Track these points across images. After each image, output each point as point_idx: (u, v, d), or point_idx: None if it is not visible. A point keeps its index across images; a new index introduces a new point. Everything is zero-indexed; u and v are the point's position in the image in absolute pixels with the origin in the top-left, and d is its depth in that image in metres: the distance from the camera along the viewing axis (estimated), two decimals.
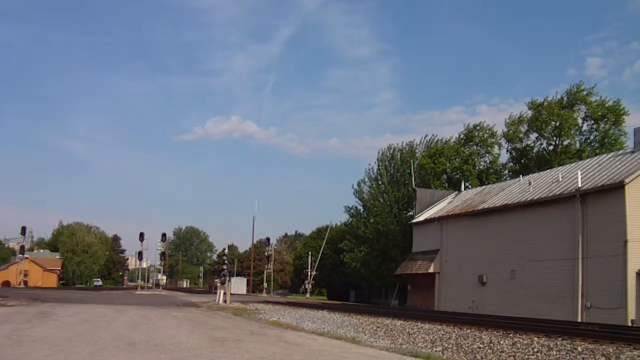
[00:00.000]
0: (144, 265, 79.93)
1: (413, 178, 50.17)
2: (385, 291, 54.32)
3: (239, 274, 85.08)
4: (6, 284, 70.87)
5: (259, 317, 19.71)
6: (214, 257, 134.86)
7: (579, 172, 27.64)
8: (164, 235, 57.41)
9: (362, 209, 58.70)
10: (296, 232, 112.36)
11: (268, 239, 63.84)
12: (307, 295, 62.33)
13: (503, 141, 49.85)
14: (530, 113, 46.98)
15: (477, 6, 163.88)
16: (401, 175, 55.28)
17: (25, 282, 69.00)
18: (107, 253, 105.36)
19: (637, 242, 23.32)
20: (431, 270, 37.79)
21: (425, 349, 11.41)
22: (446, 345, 12.27)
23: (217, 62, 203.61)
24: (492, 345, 12.04)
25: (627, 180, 23.94)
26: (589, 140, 45.09)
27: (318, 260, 64.51)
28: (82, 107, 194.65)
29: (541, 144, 47.40)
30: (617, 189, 24.29)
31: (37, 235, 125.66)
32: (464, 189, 44.80)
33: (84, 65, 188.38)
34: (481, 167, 50.94)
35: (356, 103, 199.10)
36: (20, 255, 65.50)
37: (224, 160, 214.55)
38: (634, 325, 21.48)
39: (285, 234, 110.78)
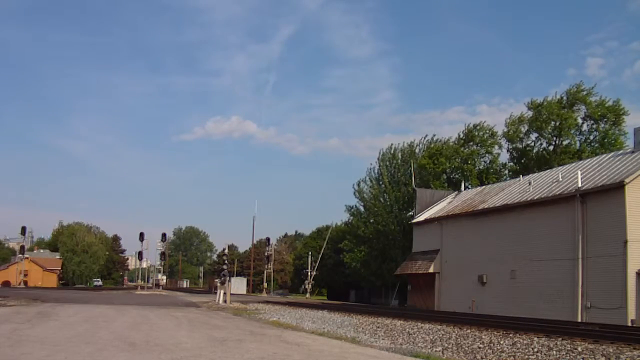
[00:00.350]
0: (144, 265, 79.83)
1: (413, 178, 50.18)
2: (385, 291, 54.30)
3: (239, 274, 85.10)
4: (6, 284, 70.90)
5: (259, 317, 19.71)
6: (214, 257, 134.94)
7: (579, 172, 27.63)
8: (164, 235, 57.40)
9: (362, 209, 58.77)
10: (296, 232, 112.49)
11: (268, 239, 63.85)
12: (307, 295, 62.33)
13: (503, 141, 49.91)
14: (530, 113, 47.01)
15: (477, 6, 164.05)
16: (402, 175, 55.30)
17: (25, 282, 69.02)
18: (107, 253, 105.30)
19: (637, 242, 23.31)
20: (431, 270, 37.79)
21: (425, 349, 11.41)
22: (446, 345, 12.27)
23: (217, 62, 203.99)
24: (492, 345, 12.04)
25: (627, 180, 23.93)
26: (588, 140, 45.08)
27: (319, 260, 64.52)
28: (82, 107, 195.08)
29: (541, 144, 47.45)
30: (617, 189, 24.28)
31: (37, 235, 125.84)
32: (464, 189, 44.80)
33: (84, 65, 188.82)
34: (481, 167, 50.94)
35: (356, 103, 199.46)
36: (20, 255, 65.49)
37: (224, 160, 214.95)
38: (634, 325, 21.48)
39: (285, 234, 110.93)
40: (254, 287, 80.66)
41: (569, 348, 11.38)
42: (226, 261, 38.15)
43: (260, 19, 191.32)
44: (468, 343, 12.42)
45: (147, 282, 74.11)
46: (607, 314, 23.12)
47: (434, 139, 56.35)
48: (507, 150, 50.01)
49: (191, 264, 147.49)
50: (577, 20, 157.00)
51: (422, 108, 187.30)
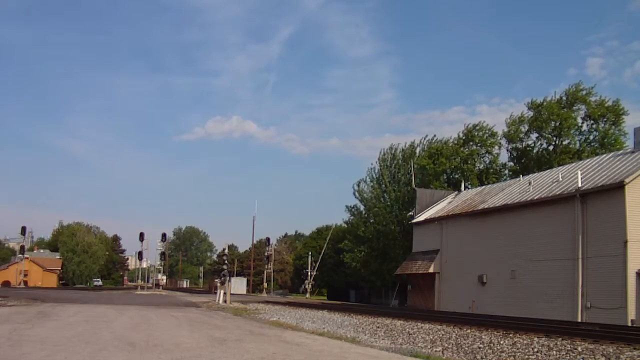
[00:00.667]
0: (144, 265, 79.87)
1: (413, 178, 50.18)
2: (385, 291, 54.30)
3: (239, 274, 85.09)
4: (6, 284, 70.91)
5: (259, 317, 19.71)
6: (214, 257, 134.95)
7: (579, 172, 27.63)
8: (164, 235, 57.40)
9: (362, 209, 58.76)
10: (296, 232, 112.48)
11: (268, 239, 63.89)
12: (307, 295, 62.33)
13: (503, 141, 49.94)
14: (530, 113, 47.03)
15: (477, 6, 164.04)
16: (402, 175, 55.32)
17: (25, 282, 69.06)
18: (107, 253, 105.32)
19: (637, 242, 23.31)
20: (431, 270, 37.79)
21: (425, 349, 11.40)
22: (446, 345, 12.26)
23: (217, 62, 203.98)
24: (492, 345, 12.04)
25: (627, 180, 23.93)
26: (588, 140, 45.10)
27: (319, 260, 64.52)
28: (82, 107, 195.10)
29: (541, 144, 47.47)
30: (617, 189, 24.28)
31: (37, 235, 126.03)
32: (464, 189, 44.79)
33: (83, 65, 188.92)
34: (481, 167, 50.96)
35: (356, 103, 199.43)
36: (20, 255, 65.53)
37: (224, 160, 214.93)
38: (634, 325, 21.48)
39: (285, 234, 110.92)
40: (254, 287, 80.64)
41: (569, 348, 11.38)
42: (226, 261, 38.09)
43: (260, 19, 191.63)
44: (468, 343, 12.42)
45: (147, 282, 74.14)
46: (607, 314, 23.12)
47: (434, 139, 56.45)
48: (507, 150, 50.12)
49: (191, 264, 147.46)
50: (577, 20, 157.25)
51: (422, 108, 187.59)
